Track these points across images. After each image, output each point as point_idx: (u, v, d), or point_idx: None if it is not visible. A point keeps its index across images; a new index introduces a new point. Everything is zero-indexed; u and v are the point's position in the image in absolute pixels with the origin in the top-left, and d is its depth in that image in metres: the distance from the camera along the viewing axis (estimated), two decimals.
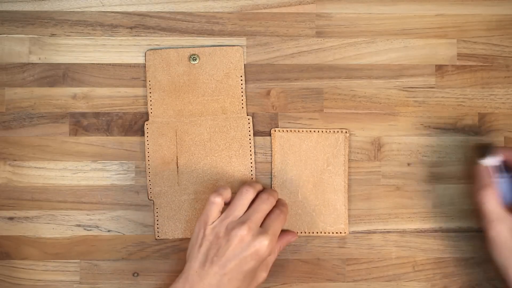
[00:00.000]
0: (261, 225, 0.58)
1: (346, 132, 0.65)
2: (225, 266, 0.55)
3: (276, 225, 0.58)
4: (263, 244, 0.56)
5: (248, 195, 0.59)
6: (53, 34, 0.65)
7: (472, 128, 0.66)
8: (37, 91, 0.65)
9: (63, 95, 0.65)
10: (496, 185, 0.58)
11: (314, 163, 0.65)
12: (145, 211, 0.65)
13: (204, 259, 0.56)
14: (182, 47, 0.65)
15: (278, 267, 0.64)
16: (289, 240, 0.63)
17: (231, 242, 0.56)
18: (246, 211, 0.58)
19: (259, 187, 0.60)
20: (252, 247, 0.56)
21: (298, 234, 0.64)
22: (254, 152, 0.65)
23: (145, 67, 0.65)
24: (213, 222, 0.58)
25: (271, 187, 0.65)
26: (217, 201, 0.58)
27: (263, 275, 0.60)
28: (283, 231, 0.63)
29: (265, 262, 0.60)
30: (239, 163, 0.64)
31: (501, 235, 0.57)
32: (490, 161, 0.60)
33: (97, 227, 0.64)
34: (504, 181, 0.60)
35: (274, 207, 0.59)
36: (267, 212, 0.58)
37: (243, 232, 0.56)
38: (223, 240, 0.56)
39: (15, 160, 0.64)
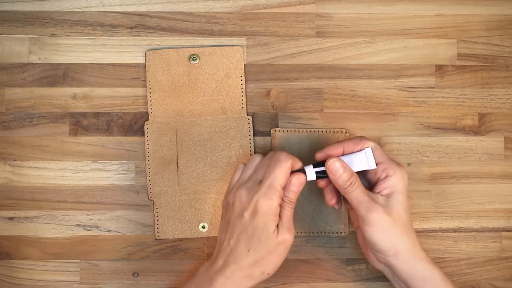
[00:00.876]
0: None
1: (346, 132, 0.65)
2: (232, 230, 0.56)
3: (273, 175, 0.55)
4: (257, 199, 0.55)
5: (254, 159, 0.59)
6: (53, 34, 0.65)
7: (472, 128, 0.66)
8: (37, 91, 0.65)
9: (63, 95, 0.65)
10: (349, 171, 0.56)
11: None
12: (145, 211, 0.65)
13: (224, 227, 0.58)
14: (182, 47, 0.65)
15: (278, 267, 0.64)
16: (292, 183, 0.56)
17: (233, 205, 0.57)
18: None
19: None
20: (249, 205, 0.55)
21: (298, 234, 0.64)
22: (254, 152, 0.65)
23: (145, 67, 0.65)
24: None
25: None
26: (239, 167, 0.60)
27: (281, 236, 0.56)
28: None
29: (281, 220, 0.56)
30: (239, 163, 0.64)
31: (379, 219, 0.55)
32: (310, 174, 0.57)
33: (97, 227, 0.64)
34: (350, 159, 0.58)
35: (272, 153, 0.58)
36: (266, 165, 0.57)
37: (241, 193, 0.56)
38: (227, 205, 0.58)
39: (15, 160, 0.64)
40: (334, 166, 0.56)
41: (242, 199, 0.56)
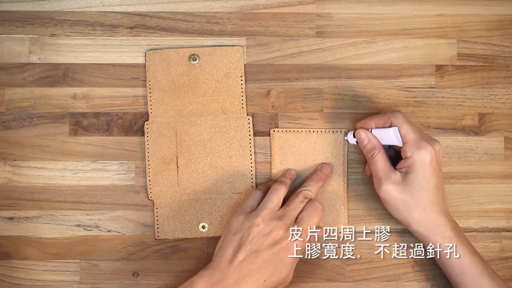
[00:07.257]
0: (297, 220, 0.59)
1: (346, 132, 0.65)
2: (258, 256, 0.57)
3: (312, 222, 0.59)
4: (297, 241, 0.58)
5: (281, 190, 0.61)
6: (53, 34, 0.65)
7: (472, 128, 0.66)
8: (37, 91, 0.65)
9: (63, 95, 0.65)
10: (380, 146, 0.61)
11: (313, 163, 0.65)
12: (145, 211, 0.65)
13: (238, 246, 0.58)
14: (182, 47, 0.65)
15: None
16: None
17: (268, 235, 0.57)
18: (282, 205, 0.60)
19: (289, 182, 0.63)
20: (285, 241, 0.58)
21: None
22: (254, 152, 0.65)
23: (145, 67, 0.65)
24: (250, 213, 0.59)
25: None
26: (257, 194, 0.61)
27: (291, 277, 0.60)
28: None
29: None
30: (239, 163, 0.64)
31: (389, 194, 0.59)
32: (350, 139, 0.63)
33: (97, 227, 0.64)
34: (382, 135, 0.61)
35: (310, 201, 0.61)
36: (302, 208, 0.60)
37: (280, 227, 0.58)
38: (259, 230, 0.58)
39: (15, 160, 0.64)
40: (359, 136, 0.61)
41: (279, 232, 0.58)
